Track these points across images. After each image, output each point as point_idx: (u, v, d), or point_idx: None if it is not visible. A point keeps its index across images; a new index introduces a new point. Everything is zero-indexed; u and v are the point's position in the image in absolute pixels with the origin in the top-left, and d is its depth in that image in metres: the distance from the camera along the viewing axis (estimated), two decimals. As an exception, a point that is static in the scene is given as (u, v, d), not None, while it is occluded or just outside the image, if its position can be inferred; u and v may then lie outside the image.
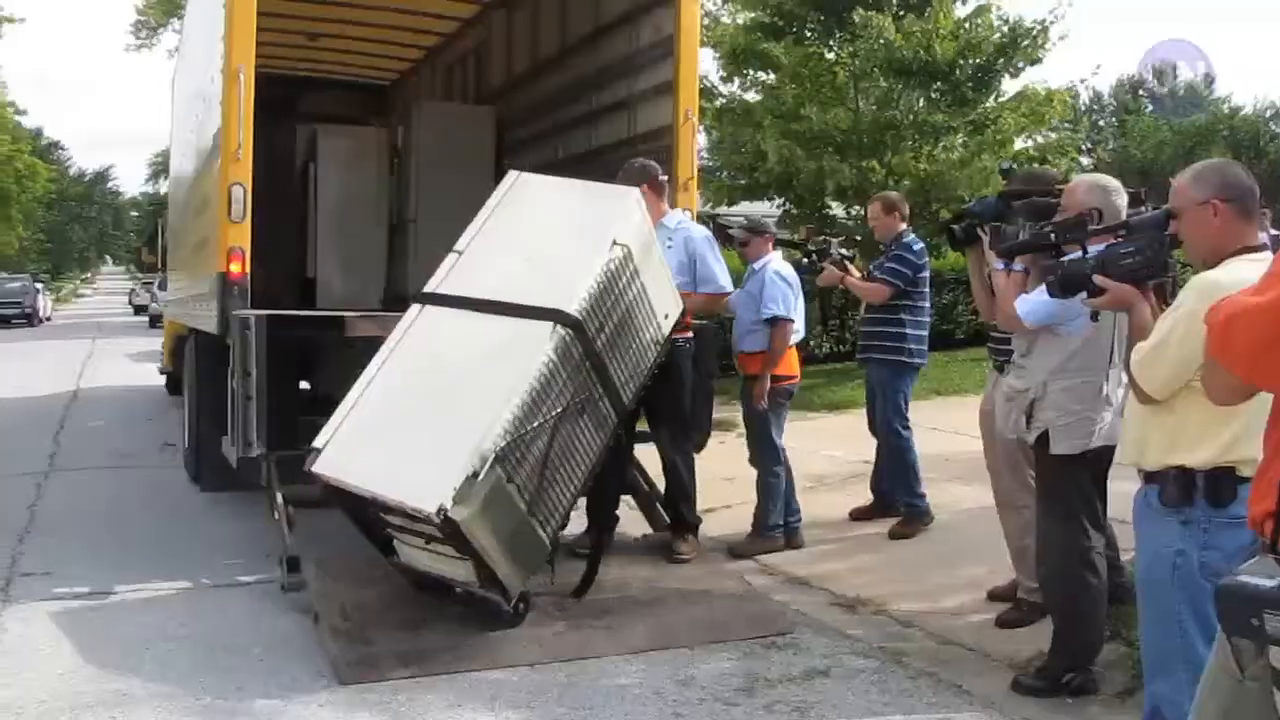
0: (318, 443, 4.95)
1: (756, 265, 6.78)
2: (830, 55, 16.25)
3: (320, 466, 4.90)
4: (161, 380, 14.85)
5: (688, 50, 7.27)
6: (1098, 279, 3.26)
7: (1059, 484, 4.38)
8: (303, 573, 5.60)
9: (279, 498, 5.98)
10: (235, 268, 6.54)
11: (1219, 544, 3.00)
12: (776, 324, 6.54)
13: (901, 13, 15.29)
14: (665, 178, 6.48)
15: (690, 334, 6.35)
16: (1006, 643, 5.02)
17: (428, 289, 5.40)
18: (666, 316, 5.62)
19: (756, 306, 6.59)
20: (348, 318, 6.54)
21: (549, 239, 5.36)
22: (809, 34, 16.05)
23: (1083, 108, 41.09)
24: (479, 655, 4.88)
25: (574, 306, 4.99)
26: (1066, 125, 16.81)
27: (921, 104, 15.15)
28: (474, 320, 5.15)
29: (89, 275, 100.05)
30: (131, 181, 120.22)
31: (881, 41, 14.41)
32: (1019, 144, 15.87)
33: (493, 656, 4.87)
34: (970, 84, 14.81)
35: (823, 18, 15.58)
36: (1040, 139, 16.44)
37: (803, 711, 4.35)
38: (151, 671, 4.71)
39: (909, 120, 15.06)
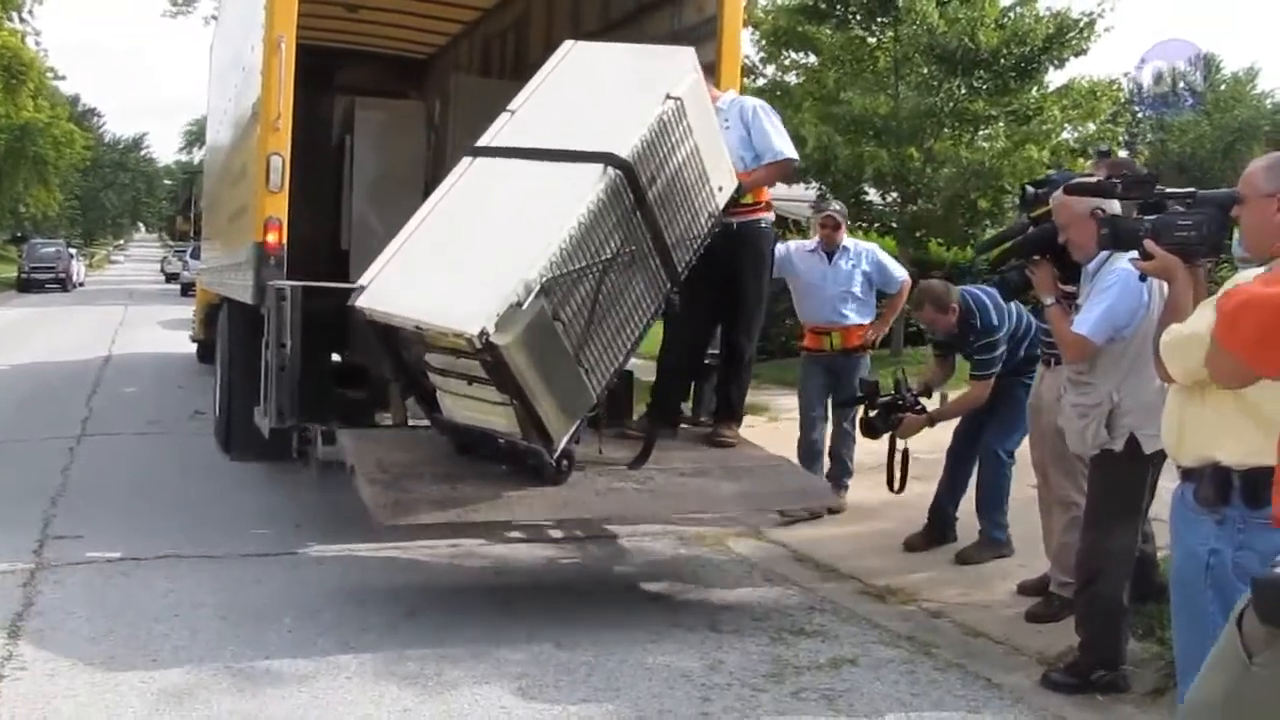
0: (363, 280, 4.98)
1: (847, 244, 7.35)
2: (872, 40, 16.11)
3: (364, 301, 4.93)
4: (193, 348, 14.93)
5: (730, 31, 7.18)
6: (1148, 243, 3.20)
7: (1132, 486, 4.36)
8: (339, 442, 5.57)
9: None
10: (272, 238, 6.54)
11: (1255, 544, 2.93)
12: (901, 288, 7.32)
13: (945, -1, 15.16)
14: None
15: (771, 214, 6.27)
16: (1036, 637, 4.98)
17: (479, 144, 5.42)
18: (720, 189, 5.54)
19: (863, 281, 7.22)
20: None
21: (602, 95, 5.38)
22: (852, 17, 15.91)
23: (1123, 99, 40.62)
24: (516, 507, 4.87)
25: (626, 151, 4.96)
26: (1107, 119, 16.60)
27: (963, 92, 15.01)
28: (524, 167, 5.18)
29: (121, 242, 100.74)
30: (166, 149, 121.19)
31: (925, 27, 14.27)
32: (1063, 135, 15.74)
33: (531, 509, 4.87)
34: (1014, 74, 14.67)
35: (866, 1, 15.43)
36: (1081, 130, 16.26)
37: (830, 699, 4.32)
38: (181, 638, 4.72)
39: (949, 108, 14.93)
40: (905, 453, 6.35)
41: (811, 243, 7.52)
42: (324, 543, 6.28)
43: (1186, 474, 3.13)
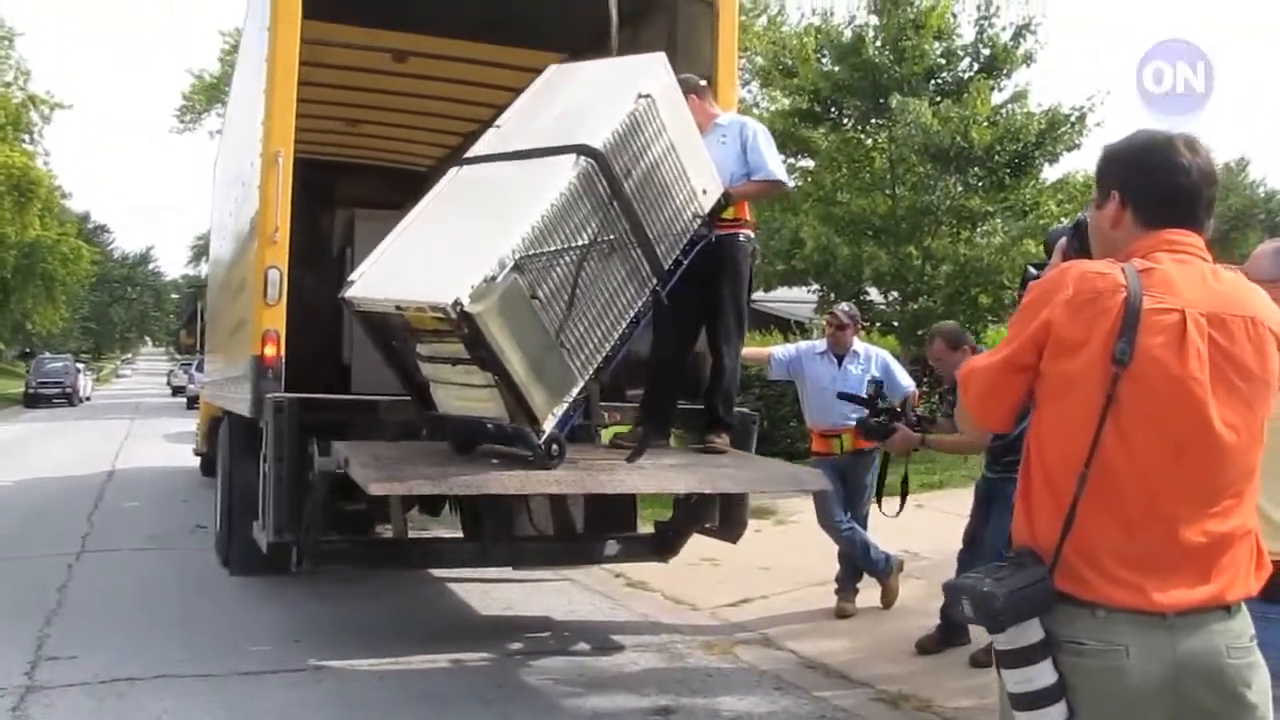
0: (351, 277, 5.33)
1: (858, 348, 7.38)
2: (868, 141, 16.34)
3: (351, 293, 5.23)
4: (197, 461, 14.88)
5: (725, 56, 7.25)
6: None
7: None
8: (334, 449, 5.58)
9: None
10: (270, 351, 6.51)
11: (1275, 641, 2.83)
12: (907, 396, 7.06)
13: (939, 99, 15.37)
14: (705, 83, 6.40)
15: (751, 231, 6.33)
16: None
17: (465, 156, 5.77)
18: (705, 192, 5.67)
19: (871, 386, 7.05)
20: (381, 402, 6.49)
21: (579, 100, 5.65)
22: (847, 120, 16.14)
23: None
24: (507, 482, 5.01)
25: (598, 142, 5.15)
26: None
27: (959, 189, 15.16)
28: (504, 167, 5.47)
29: (129, 355, 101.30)
30: (173, 263, 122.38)
31: (919, 127, 14.45)
32: (1060, 229, 15.82)
33: (520, 484, 5.03)
34: (1008, 170, 14.83)
35: (860, 104, 15.67)
36: (1079, 224, 16.39)
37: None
38: (174, 763, 4.60)
39: (946, 205, 15.07)
40: (905, 479, 6.31)
41: (821, 344, 7.52)
42: (324, 657, 6.16)
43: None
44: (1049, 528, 2.25)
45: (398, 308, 5.06)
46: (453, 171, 5.77)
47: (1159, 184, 2.35)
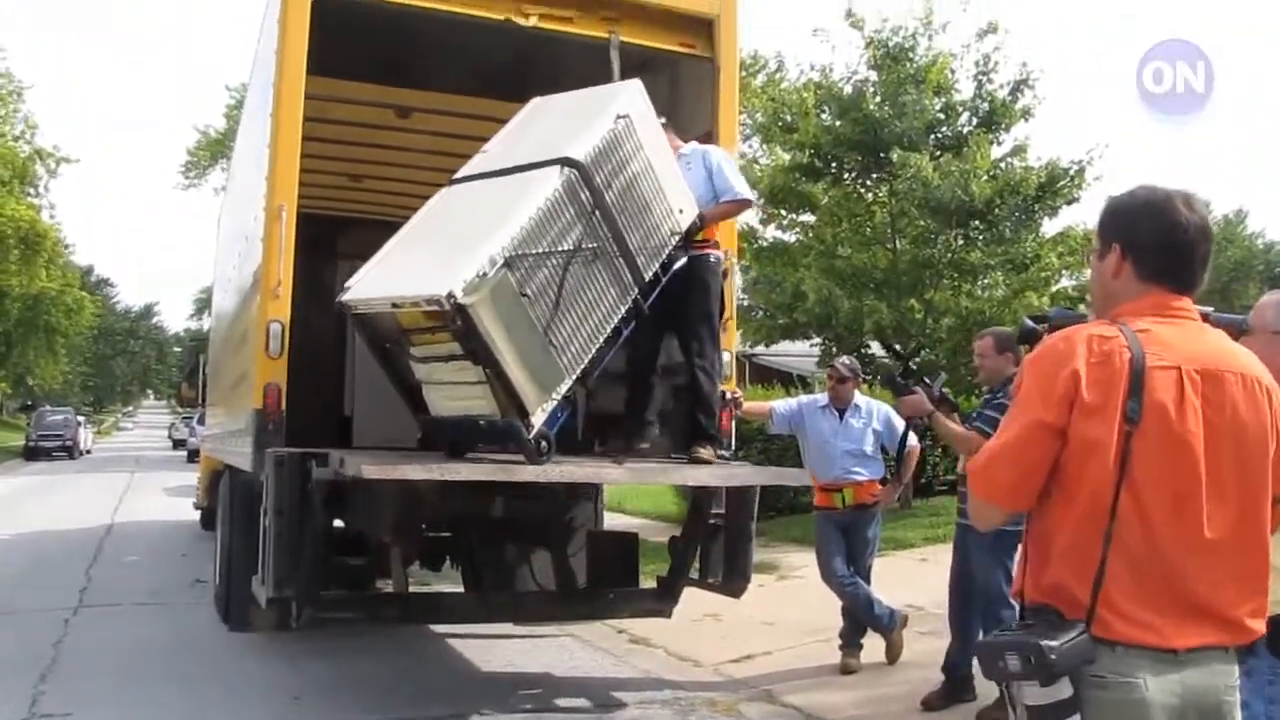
0: (348, 284, 5.59)
1: (859, 402, 7.36)
2: (868, 195, 16.40)
3: (348, 297, 5.51)
4: (197, 515, 14.82)
5: (726, 98, 7.29)
6: None
7: None
8: (330, 459, 5.65)
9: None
10: (271, 404, 6.50)
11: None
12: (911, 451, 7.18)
13: (939, 153, 15.45)
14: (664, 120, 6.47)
15: (720, 251, 6.51)
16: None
17: (454, 177, 6.05)
18: (681, 211, 5.95)
19: (873, 439, 7.23)
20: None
21: (560, 123, 5.94)
22: (847, 174, 16.22)
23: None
24: (497, 472, 5.36)
25: (579, 153, 5.43)
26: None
27: (960, 243, 15.20)
28: (491, 182, 5.78)
29: (131, 409, 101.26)
30: (176, 317, 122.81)
31: (919, 181, 14.52)
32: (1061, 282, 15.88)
33: (510, 473, 5.34)
34: (1008, 223, 14.88)
35: (860, 158, 15.75)
36: (1080, 276, 16.40)
37: None
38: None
39: (947, 259, 15.11)
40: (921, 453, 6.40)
41: (823, 399, 7.50)
42: (324, 715, 6.11)
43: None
44: (1077, 582, 2.34)
45: (393, 305, 5.27)
46: (443, 190, 6.05)
47: (1158, 238, 2.47)
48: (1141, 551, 2.33)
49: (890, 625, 7.10)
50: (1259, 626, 2.41)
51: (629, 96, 5.96)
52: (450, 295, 4.83)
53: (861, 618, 7.13)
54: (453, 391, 5.42)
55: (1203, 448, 2.34)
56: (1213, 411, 2.37)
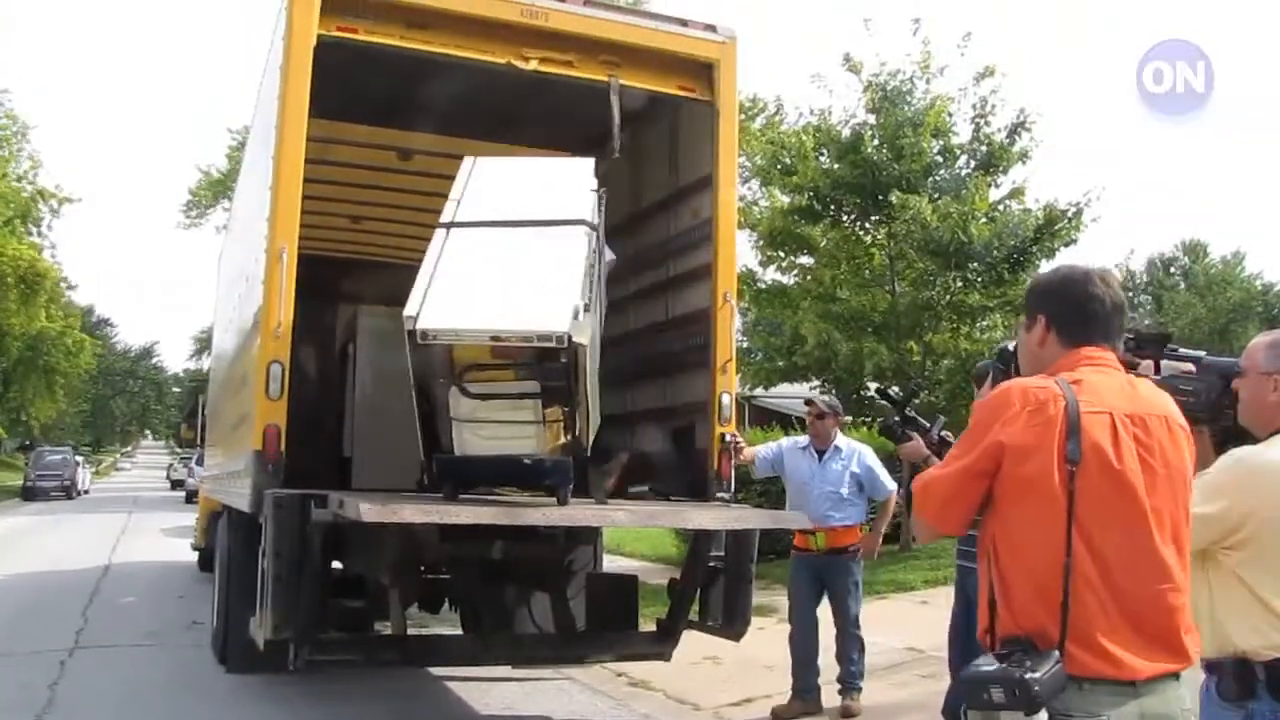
0: (409, 312, 5.19)
1: (840, 444, 7.30)
2: (867, 238, 16.45)
3: (426, 323, 5.16)
4: (195, 556, 14.76)
5: (725, 233, 7.33)
6: None
7: None
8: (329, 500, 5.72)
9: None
10: (271, 445, 6.50)
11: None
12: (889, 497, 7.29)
13: (937, 195, 15.52)
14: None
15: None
16: None
17: (443, 221, 6.00)
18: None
19: (851, 482, 7.18)
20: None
21: (544, 186, 6.24)
22: (846, 217, 16.28)
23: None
24: (500, 515, 5.25)
25: (591, 217, 5.80)
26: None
27: (959, 285, 15.24)
28: (510, 231, 5.83)
29: (129, 449, 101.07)
30: (176, 357, 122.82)
31: (918, 223, 14.57)
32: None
33: (511, 517, 5.29)
34: (1006, 265, 14.92)
35: (859, 201, 15.81)
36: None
37: None
38: None
39: (945, 301, 15.14)
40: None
41: (804, 440, 7.47)
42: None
43: (1209, 666, 3.05)
44: (1044, 617, 2.49)
45: (494, 338, 5.28)
46: (443, 232, 5.90)
47: (1077, 310, 2.77)
48: (1099, 584, 2.50)
49: (854, 685, 7.02)
50: (1195, 653, 2.60)
51: (589, 173, 6.32)
52: (565, 334, 4.98)
53: (795, 670, 7.05)
54: (497, 430, 5.52)
55: (1141, 483, 2.55)
56: (1145, 451, 2.59)
